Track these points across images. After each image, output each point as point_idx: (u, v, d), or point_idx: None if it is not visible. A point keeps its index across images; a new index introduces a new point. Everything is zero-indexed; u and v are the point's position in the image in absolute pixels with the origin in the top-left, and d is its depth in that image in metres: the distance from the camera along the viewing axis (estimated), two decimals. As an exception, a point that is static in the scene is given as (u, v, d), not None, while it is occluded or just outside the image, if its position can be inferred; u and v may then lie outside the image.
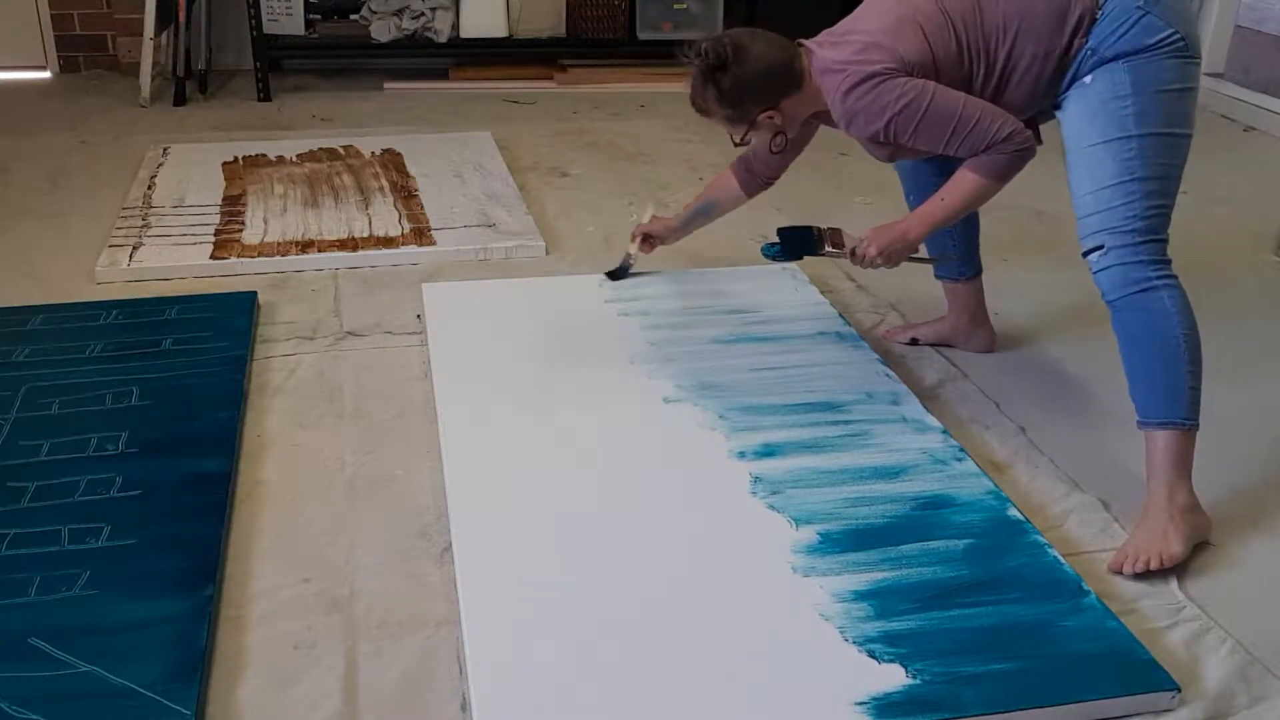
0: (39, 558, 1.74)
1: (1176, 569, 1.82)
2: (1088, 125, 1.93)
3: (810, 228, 2.28)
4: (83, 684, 1.50)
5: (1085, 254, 1.92)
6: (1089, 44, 1.93)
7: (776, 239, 2.32)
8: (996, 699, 1.51)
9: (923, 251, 2.23)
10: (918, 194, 2.31)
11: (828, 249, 2.25)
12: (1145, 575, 1.80)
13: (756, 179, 2.47)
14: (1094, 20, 1.92)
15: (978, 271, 2.49)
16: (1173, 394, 1.86)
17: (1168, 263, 1.89)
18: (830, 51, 2.05)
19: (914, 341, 2.57)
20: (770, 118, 2.12)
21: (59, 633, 1.58)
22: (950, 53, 1.98)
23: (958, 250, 2.45)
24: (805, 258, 2.33)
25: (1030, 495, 2.03)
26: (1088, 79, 1.94)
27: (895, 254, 2.13)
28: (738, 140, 2.18)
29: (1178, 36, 1.88)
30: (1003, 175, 2.02)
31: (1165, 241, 1.89)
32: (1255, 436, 2.23)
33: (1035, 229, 3.26)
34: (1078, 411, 2.32)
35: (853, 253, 2.17)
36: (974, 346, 2.54)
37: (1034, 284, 2.89)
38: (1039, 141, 2.06)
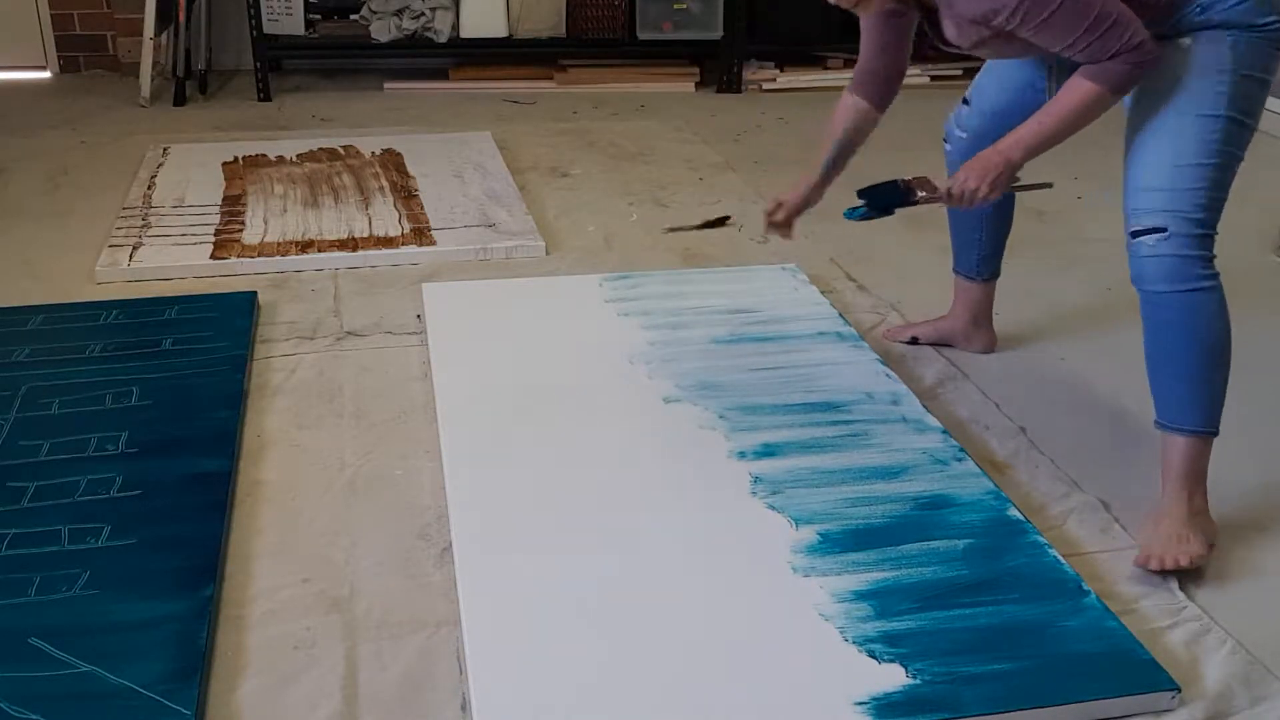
0: (39, 558, 1.74)
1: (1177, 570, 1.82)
2: (1178, 91, 1.80)
3: (895, 181, 2.12)
4: (83, 684, 1.50)
5: (1139, 232, 1.80)
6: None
7: (859, 202, 2.14)
8: (996, 699, 1.51)
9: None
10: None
11: (920, 195, 2.09)
12: (1173, 573, 1.78)
13: (878, 89, 2.16)
14: None
15: (995, 274, 2.47)
16: (1201, 403, 1.82)
17: (1214, 259, 1.81)
18: None
19: (914, 341, 2.56)
20: None
21: (59, 633, 1.58)
22: None
23: (983, 248, 2.41)
24: (897, 212, 2.13)
25: (1030, 495, 2.03)
26: (1186, 40, 1.80)
27: (998, 181, 1.93)
28: None
29: None
30: (1122, 87, 1.82)
31: (1215, 237, 1.81)
32: (1256, 437, 2.23)
33: (1036, 229, 3.26)
34: (1078, 411, 2.32)
35: (949, 193, 2.00)
36: (974, 347, 2.53)
37: (1034, 284, 2.88)
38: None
